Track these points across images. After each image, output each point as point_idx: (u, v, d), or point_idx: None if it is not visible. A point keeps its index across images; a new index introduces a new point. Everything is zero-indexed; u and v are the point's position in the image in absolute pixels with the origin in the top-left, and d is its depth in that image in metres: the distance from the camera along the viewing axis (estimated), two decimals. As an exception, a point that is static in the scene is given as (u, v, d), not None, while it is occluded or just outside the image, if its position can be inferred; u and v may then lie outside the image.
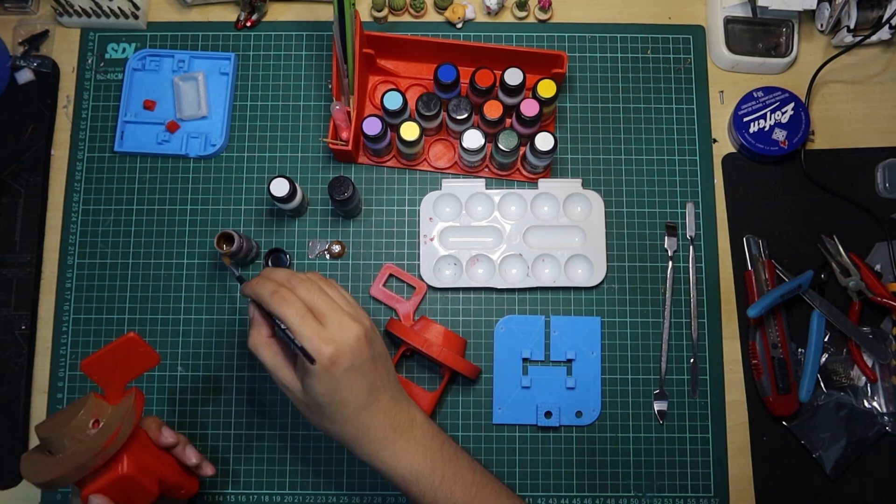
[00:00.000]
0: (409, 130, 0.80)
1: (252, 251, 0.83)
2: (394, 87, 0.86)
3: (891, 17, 0.85)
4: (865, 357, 0.83)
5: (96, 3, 0.87)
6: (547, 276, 0.84)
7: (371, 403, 0.65)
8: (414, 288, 0.84)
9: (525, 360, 0.83)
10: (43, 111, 0.88)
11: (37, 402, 0.83)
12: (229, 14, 0.91)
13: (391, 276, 0.85)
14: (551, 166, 0.87)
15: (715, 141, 0.89)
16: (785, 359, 0.81)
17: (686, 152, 0.88)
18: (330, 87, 0.89)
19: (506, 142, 0.80)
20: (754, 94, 0.86)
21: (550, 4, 0.89)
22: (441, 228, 0.85)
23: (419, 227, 0.85)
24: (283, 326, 0.63)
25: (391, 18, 0.91)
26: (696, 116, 0.89)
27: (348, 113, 0.83)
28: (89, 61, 0.90)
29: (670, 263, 0.85)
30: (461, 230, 0.85)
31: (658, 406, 0.82)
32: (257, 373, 0.83)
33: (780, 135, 0.85)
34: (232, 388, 0.83)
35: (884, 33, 0.86)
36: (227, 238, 0.77)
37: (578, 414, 0.82)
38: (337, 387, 0.63)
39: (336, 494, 0.81)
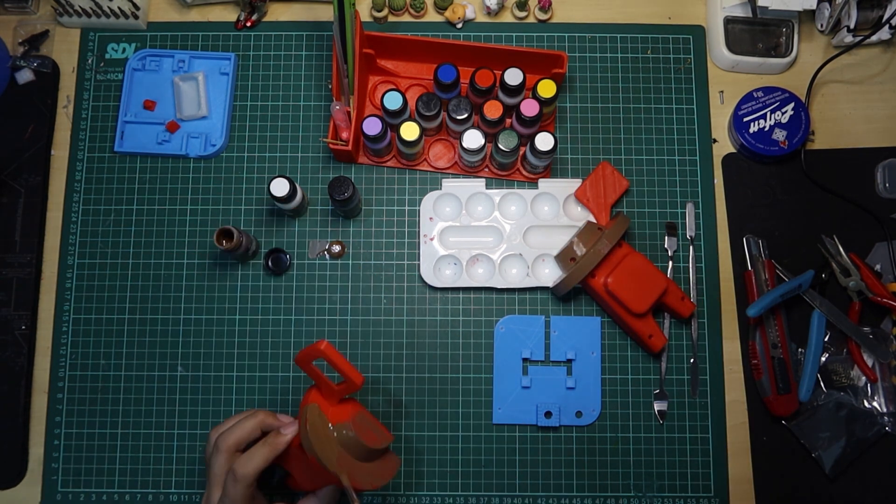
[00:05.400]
0: (409, 130, 0.80)
1: (252, 247, 0.83)
2: (394, 87, 0.86)
3: (891, 17, 0.85)
4: (865, 357, 0.83)
5: (96, 3, 0.87)
6: (547, 275, 0.84)
7: None
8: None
9: (525, 360, 0.83)
10: (43, 111, 0.88)
11: (37, 402, 0.83)
12: (229, 14, 0.91)
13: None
14: (551, 166, 0.87)
15: (715, 141, 0.89)
16: (785, 359, 0.81)
17: (686, 152, 0.88)
18: (330, 87, 0.89)
19: (506, 142, 0.80)
20: (754, 94, 0.86)
21: (550, 4, 0.89)
22: (441, 228, 0.85)
23: (419, 226, 0.85)
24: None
25: (391, 18, 0.91)
26: (696, 116, 0.89)
27: (348, 113, 0.83)
28: (89, 61, 0.90)
29: (670, 263, 0.85)
30: (461, 230, 0.85)
31: (658, 406, 0.82)
32: (256, 373, 0.83)
33: (780, 135, 0.85)
34: (232, 388, 0.83)
35: (884, 33, 0.86)
36: (226, 234, 0.77)
37: (578, 414, 0.82)
38: None
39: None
